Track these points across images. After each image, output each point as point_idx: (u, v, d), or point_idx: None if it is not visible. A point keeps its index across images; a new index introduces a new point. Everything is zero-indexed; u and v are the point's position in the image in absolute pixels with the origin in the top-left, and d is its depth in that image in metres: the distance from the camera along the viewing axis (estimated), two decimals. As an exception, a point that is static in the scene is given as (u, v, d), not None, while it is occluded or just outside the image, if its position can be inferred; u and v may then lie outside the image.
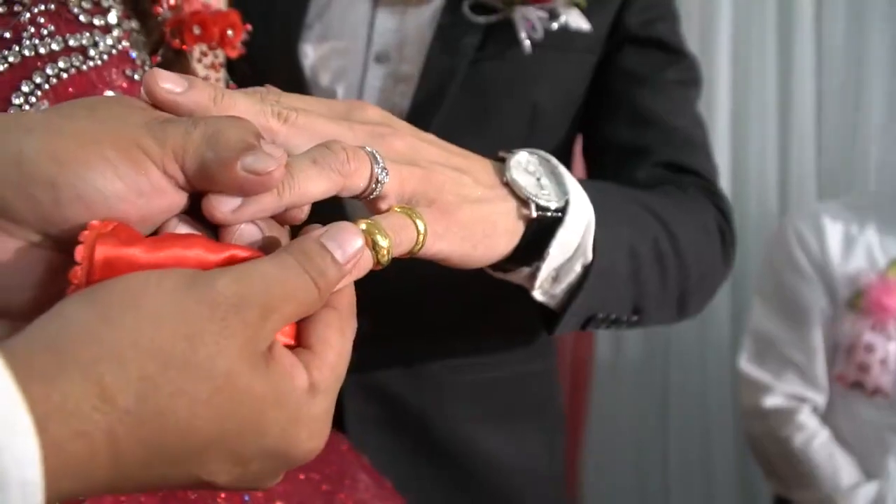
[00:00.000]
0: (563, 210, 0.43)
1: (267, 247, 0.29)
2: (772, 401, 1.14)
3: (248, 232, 0.28)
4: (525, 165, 0.43)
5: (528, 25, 0.63)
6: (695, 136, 0.66)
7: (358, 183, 0.32)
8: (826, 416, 1.14)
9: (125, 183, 0.26)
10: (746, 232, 1.63)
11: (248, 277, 0.25)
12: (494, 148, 0.45)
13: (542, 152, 0.45)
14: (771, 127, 1.64)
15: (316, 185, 0.30)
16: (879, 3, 1.55)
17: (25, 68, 0.44)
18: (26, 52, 0.44)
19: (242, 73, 0.54)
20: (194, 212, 0.29)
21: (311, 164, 0.30)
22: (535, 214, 0.42)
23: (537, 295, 0.47)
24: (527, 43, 0.63)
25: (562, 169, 0.45)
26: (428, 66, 0.64)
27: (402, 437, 0.69)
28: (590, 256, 0.46)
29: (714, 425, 1.57)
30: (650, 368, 1.64)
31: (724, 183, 1.59)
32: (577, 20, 0.65)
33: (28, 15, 0.45)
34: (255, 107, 0.32)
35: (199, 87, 0.30)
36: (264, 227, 0.29)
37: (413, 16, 0.67)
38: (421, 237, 0.34)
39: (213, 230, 0.29)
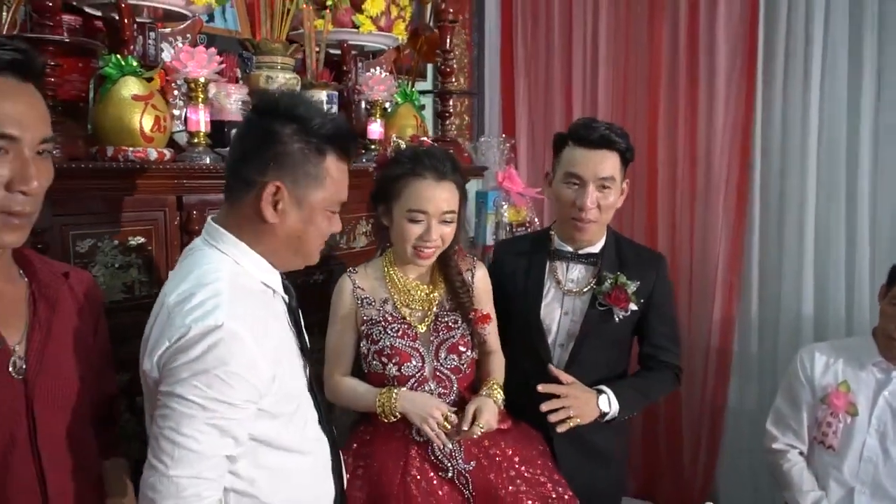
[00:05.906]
0: (610, 406, 1.75)
1: None
2: (777, 445, 2.20)
3: None
4: (604, 395, 1.75)
5: (618, 313, 1.87)
6: (672, 346, 1.89)
7: (567, 416, 1.67)
8: (806, 457, 2.17)
9: None
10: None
11: None
12: (605, 350, 1.84)
13: (608, 389, 1.78)
14: (841, 269, 2.62)
15: (557, 417, 1.67)
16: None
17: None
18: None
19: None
20: None
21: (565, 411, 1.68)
22: (604, 410, 1.75)
23: (606, 419, 1.77)
24: (616, 318, 1.88)
25: (610, 392, 1.76)
26: (584, 322, 1.91)
27: (575, 447, 1.93)
28: (617, 413, 1.76)
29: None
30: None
31: (808, 307, 2.64)
32: (633, 307, 1.87)
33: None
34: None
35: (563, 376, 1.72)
36: None
37: (578, 301, 1.94)
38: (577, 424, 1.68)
39: None
